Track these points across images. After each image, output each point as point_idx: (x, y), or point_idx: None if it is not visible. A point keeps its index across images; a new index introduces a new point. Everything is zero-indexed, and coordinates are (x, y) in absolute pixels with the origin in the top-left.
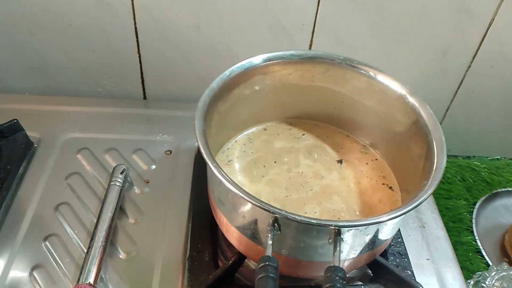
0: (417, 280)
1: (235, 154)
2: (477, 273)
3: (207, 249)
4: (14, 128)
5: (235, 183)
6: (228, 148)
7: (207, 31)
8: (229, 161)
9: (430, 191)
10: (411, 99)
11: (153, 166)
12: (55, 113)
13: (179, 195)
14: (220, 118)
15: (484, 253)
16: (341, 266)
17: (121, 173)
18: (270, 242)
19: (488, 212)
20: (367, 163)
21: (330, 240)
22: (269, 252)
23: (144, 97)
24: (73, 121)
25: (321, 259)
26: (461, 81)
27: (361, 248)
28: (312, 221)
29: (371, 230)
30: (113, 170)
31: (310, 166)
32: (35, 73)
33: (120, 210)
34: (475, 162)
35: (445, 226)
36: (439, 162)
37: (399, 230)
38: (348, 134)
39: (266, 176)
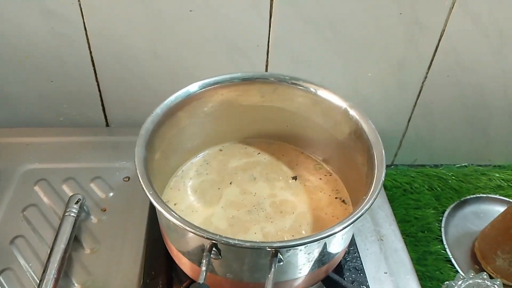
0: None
1: (190, 176)
2: (445, 282)
3: (161, 276)
4: None
5: (170, 210)
6: (183, 171)
7: (165, 56)
8: (183, 184)
9: (368, 204)
10: (352, 112)
11: (111, 194)
12: (14, 145)
13: (136, 222)
14: (168, 143)
15: (454, 262)
16: None
17: (76, 203)
18: (204, 268)
19: (457, 219)
20: (320, 178)
21: (269, 263)
22: (201, 278)
23: (107, 124)
24: (32, 152)
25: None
26: (419, 92)
27: (309, 267)
28: (246, 243)
29: (312, 248)
30: (68, 200)
31: (264, 186)
32: None
33: (75, 241)
34: (442, 171)
35: (414, 236)
36: (378, 175)
37: (355, 244)
38: (302, 150)
39: (221, 198)
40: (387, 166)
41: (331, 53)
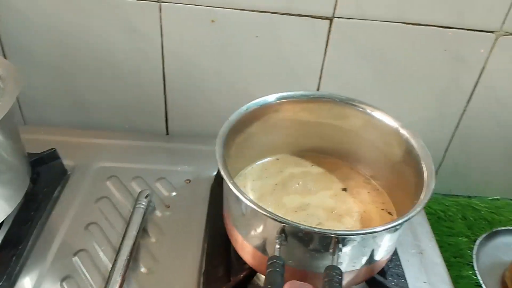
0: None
1: (251, 178)
2: None
3: (221, 265)
4: (52, 156)
5: (249, 197)
6: (245, 173)
7: (228, 76)
8: (244, 186)
9: (419, 208)
10: (403, 131)
11: (174, 193)
12: (88, 144)
13: (196, 219)
14: (237, 148)
15: (484, 287)
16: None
17: (146, 197)
18: (277, 246)
19: (488, 249)
20: (368, 192)
21: (331, 250)
22: (276, 253)
23: (167, 133)
24: (104, 152)
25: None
26: (458, 124)
27: (360, 262)
28: (314, 229)
29: (368, 242)
30: (138, 194)
31: (317, 194)
32: (74, 109)
33: (143, 231)
34: (476, 201)
35: (447, 261)
36: (429, 183)
37: (397, 254)
38: (352, 166)
39: (278, 200)
40: None
41: (378, 82)
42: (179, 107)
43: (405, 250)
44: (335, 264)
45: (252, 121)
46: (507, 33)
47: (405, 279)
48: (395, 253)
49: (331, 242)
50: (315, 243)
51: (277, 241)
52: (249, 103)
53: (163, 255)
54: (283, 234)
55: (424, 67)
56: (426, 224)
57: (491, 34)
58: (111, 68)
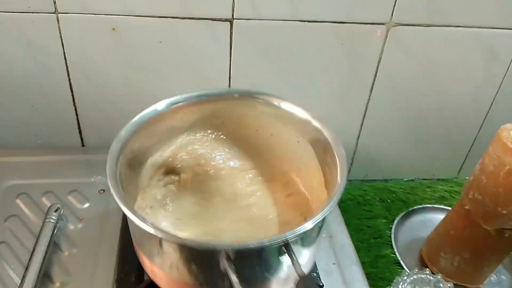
0: (322, 280)
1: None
2: (394, 280)
3: (133, 271)
4: None
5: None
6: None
7: (135, 82)
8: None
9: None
10: (314, 122)
11: (87, 204)
12: None
13: (110, 228)
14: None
15: (402, 264)
16: None
17: (55, 211)
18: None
19: (406, 228)
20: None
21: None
22: None
23: (83, 145)
24: (13, 170)
25: None
26: (364, 113)
27: None
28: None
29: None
30: (48, 209)
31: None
32: None
33: (55, 245)
34: (391, 184)
35: (367, 242)
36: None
37: None
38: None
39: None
40: None
41: (284, 80)
42: (91, 118)
43: None
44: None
45: (146, 129)
46: (397, 24)
47: (314, 264)
48: None
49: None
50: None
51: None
52: (137, 116)
53: (76, 268)
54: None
55: (325, 62)
56: (336, 208)
57: (383, 25)
58: (13, 84)
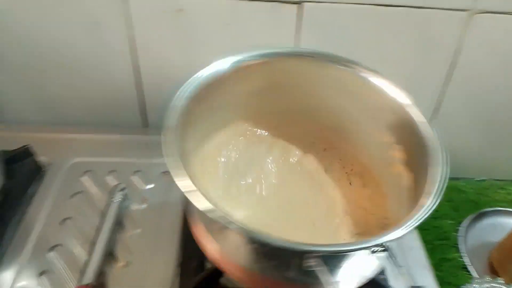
0: (389, 284)
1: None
2: (462, 286)
3: (195, 257)
4: (26, 153)
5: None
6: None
7: (199, 66)
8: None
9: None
10: (409, 108)
11: (151, 186)
12: (63, 140)
13: (173, 211)
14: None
15: (469, 268)
16: None
17: (120, 191)
18: None
19: (475, 231)
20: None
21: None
22: None
23: (147, 125)
24: (79, 147)
25: None
26: (438, 106)
27: None
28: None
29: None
30: (113, 188)
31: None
32: (46, 105)
33: (119, 224)
34: (461, 183)
35: (431, 243)
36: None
37: None
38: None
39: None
40: None
41: None
42: (155, 99)
43: None
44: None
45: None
46: (481, 11)
47: None
48: None
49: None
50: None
51: None
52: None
53: (140, 248)
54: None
55: (396, 50)
56: None
57: (463, 12)
58: (77, 63)
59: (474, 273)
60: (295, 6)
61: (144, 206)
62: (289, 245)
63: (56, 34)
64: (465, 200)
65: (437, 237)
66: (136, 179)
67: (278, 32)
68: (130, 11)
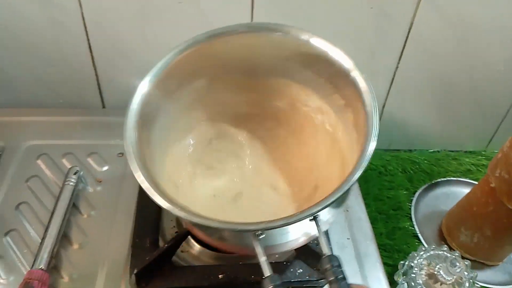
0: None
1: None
2: (409, 254)
3: (148, 236)
4: None
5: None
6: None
7: (152, 39)
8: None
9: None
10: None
11: (106, 167)
12: (17, 123)
13: (128, 191)
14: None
15: (420, 237)
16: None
17: (75, 173)
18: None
19: (428, 200)
20: None
21: None
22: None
23: (103, 106)
24: (34, 130)
25: None
26: (392, 79)
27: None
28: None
29: None
30: (67, 171)
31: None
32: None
33: (74, 207)
34: (415, 155)
35: (386, 213)
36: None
37: None
38: None
39: None
40: None
41: None
42: (110, 78)
43: None
44: None
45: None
46: None
47: (327, 237)
48: None
49: None
50: None
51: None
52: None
53: (94, 230)
54: None
55: (352, 24)
56: None
57: None
58: (30, 41)
59: (424, 241)
60: None
61: (99, 188)
62: (226, 226)
63: (8, 12)
64: (419, 171)
65: (392, 207)
66: (91, 161)
67: (234, 7)
68: None
